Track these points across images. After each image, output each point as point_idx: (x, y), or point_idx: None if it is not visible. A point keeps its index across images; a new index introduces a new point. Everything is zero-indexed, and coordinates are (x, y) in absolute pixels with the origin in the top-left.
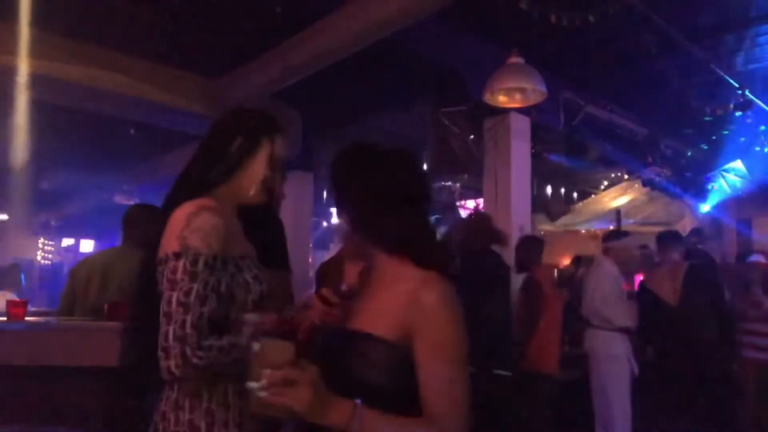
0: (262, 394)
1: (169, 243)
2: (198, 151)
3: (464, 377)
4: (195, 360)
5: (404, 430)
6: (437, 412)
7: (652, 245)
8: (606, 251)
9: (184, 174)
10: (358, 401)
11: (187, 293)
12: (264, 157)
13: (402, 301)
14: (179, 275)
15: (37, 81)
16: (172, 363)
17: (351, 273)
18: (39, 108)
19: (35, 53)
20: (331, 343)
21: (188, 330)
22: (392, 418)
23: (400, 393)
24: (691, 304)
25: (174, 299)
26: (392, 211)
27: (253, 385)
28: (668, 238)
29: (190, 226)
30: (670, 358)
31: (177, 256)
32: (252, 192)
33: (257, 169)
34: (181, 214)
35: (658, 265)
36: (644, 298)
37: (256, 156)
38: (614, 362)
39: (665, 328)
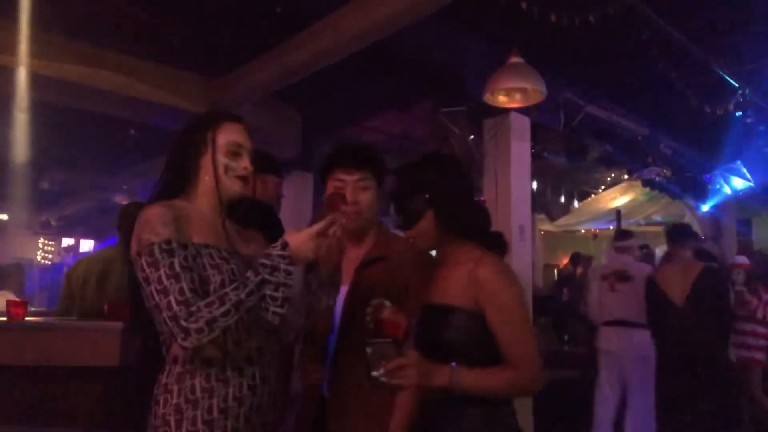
0: (383, 379)
1: (132, 246)
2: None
3: (530, 330)
4: (193, 326)
5: (493, 378)
6: (515, 360)
7: (653, 245)
8: (624, 249)
9: (156, 185)
10: (453, 364)
11: (159, 280)
12: (213, 148)
13: (464, 277)
14: (146, 270)
15: (37, 81)
16: (179, 339)
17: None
18: (39, 108)
19: (35, 53)
20: (423, 317)
21: (175, 308)
22: (481, 370)
23: (479, 348)
24: (696, 306)
25: (153, 291)
26: (467, 206)
27: (375, 373)
28: (680, 233)
29: (139, 224)
30: (671, 357)
31: (138, 254)
32: (221, 185)
33: (212, 161)
34: (136, 221)
35: (669, 259)
36: (651, 294)
37: (207, 150)
38: (650, 362)
39: (667, 326)
